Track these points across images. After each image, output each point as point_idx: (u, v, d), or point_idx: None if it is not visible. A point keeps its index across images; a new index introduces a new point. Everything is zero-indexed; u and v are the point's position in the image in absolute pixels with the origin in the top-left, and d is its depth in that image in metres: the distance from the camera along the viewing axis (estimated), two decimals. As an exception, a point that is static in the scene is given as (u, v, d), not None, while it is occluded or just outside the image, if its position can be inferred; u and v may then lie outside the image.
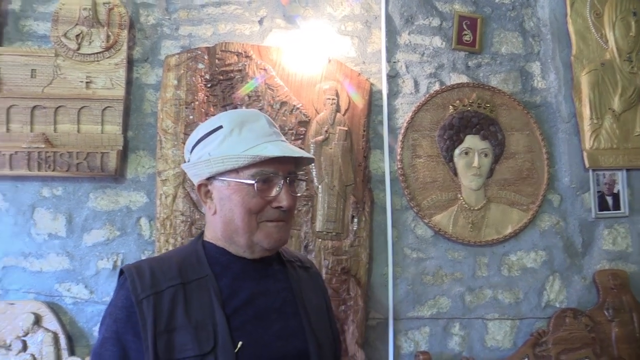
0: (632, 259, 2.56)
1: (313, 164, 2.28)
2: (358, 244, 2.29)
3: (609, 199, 2.56)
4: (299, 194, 1.26)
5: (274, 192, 1.15)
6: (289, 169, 1.18)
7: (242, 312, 1.12)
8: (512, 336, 2.46)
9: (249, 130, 1.16)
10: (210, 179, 1.17)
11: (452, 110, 2.49)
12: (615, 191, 2.57)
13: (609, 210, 2.56)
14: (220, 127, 1.16)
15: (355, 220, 2.30)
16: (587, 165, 2.54)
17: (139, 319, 1.06)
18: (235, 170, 1.13)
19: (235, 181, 1.14)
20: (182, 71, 2.31)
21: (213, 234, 1.21)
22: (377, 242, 2.39)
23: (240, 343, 1.07)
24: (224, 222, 1.17)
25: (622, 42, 2.65)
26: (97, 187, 2.29)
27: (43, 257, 2.23)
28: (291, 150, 1.16)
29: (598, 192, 2.56)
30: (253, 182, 1.12)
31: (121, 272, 1.14)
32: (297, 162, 1.22)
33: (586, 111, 2.56)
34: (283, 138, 1.21)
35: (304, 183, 2.26)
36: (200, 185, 1.20)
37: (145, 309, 1.07)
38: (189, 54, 2.33)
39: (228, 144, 1.14)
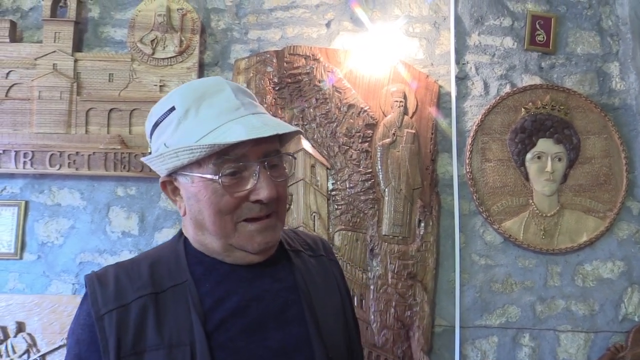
0: None
1: (380, 168, 2.26)
2: (425, 248, 2.25)
3: (695, 208, 2.40)
4: (282, 179, 0.96)
5: (249, 184, 0.91)
6: (264, 149, 0.92)
7: (229, 325, 0.91)
8: (586, 350, 2.34)
9: (208, 106, 0.91)
10: (173, 174, 0.95)
11: (524, 113, 2.41)
12: (702, 199, 2.41)
13: (695, 219, 2.40)
14: (173, 108, 0.92)
15: (422, 224, 2.27)
16: (670, 171, 2.40)
17: (99, 338, 0.87)
18: (198, 162, 0.90)
19: (198, 176, 0.91)
20: (252, 74, 2.34)
21: (189, 235, 1.00)
22: (444, 247, 2.34)
23: None
24: (194, 225, 0.96)
25: None
26: (169, 187, 2.35)
27: (117, 254, 2.32)
28: (262, 128, 0.89)
29: (683, 200, 2.40)
30: (216, 177, 0.89)
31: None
32: (282, 137, 0.98)
33: (670, 114, 2.42)
34: (256, 109, 0.94)
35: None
36: (163, 183, 0.98)
37: (107, 326, 0.87)
38: (258, 58, 2.36)
39: (183, 129, 0.91)
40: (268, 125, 0.90)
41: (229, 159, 0.89)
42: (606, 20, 2.58)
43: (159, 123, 0.94)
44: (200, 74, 2.42)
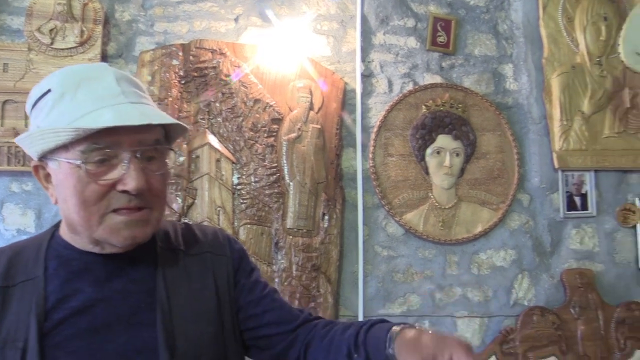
0: (598, 258, 2.61)
1: (285, 162, 2.30)
2: (329, 241, 2.31)
3: (577, 200, 2.61)
4: (159, 172, 0.92)
5: (117, 173, 0.87)
6: (139, 139, 0.88)
7: (70, 324, 0.88)
8: (481, 334, 2.49)
9: (87, 92, 0.87)
10: (44, 159, 0.90)
11: (424, 110, 2.52)
12: (583, 192, 2.62)
13: (577, 210, 2.60)
14: (49, 90, 0.89)
15: (327, 217, 2.32)
16: (556, 166, 2.58)
17: None
18: (65, 147, 0.86)
19: (65, 161, 0.87)
20: (156, 67, 2.31)
21: (62, 225, 0.98)
22: (348, 239, 2.42)
23: None
24: (63, 214, 0.93)
25: (593, 46, 2.69)
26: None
27: (13, 251, 2.22)
28: (135, 116, 0.86)
29: (567, 192, 2.60)
30: (79, 162, 0.85)
31: None
32: (169, 132, 0.97)
33: (556, 113, 2.60)
34: (139, 99, 0.92)
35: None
36: (35, 168, 0.94)
37: None
38: (163, 50, 2.33)
39: (57, 112, 0.87)
40: (144, 114, 0.87)
41: (97, 145, 0.85)
42: (502, 24, 2.74)
43: (36, 104, 0.91)
44: (103, 65, 2.35)
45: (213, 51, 2.35)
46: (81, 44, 2.32)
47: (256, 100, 2.32)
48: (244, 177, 2.27)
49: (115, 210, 0.89)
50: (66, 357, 0.86)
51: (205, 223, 2.14)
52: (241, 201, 2.25)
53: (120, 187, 0.87)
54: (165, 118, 0.92)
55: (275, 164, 2.29)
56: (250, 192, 2.26)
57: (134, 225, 0.90)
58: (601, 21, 2.72)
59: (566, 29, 2.70)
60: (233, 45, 2.38)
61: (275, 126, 2.32)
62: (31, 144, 0.89)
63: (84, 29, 2.33)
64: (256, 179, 2.27)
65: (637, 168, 2.68)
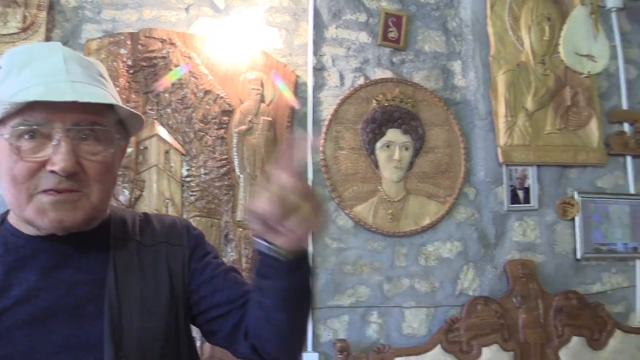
0: (539, 249, 2.72)
1: (235, 154, 2.29)
2: (279, 233, 2.32)
3: (520, 193, 2.71)
4: (97, 156, 0.89)
5: (47, 152, 0.84)
6: (76, 118, 0.86)
7: (11, 314, 0.85)
8: (428, 323, 2.56)
9: (32, 69, 0.86)
10: None
11: (375, 105, 2.56)
12: (526, 185, 2.72)
13: (520, 203, 2.70)
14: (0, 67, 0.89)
15: (277, 210, 2.33)
16: (500, 160, 2.67)
17: None
18: (3, 122, 0.85)
19: (1, 137, 0.86)
20: (103, 56, 2.26)
21: None
22: (298, 232, 2.43)
23: None
24: (2, 192, 0.90)
25: (537, 45, 2.79)
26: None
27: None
28: (67, 93, 0.84)
29: (510, 186, 2.70)
30: (7, 136, 0.84)
31: None
32: (121, 120, 0.94)
33: (501, 109, 2.69)
34: (87, 79, 0.89)
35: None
36: None
37: None
38: (111, 39, 2.28)
39: (3, 88, 0.86)
40: (78, 92, 0.84)
41: (27, 121, 0.83)
42: (451, 21, 2.81)
43: None
44: (47, 53, 2.28)
45: (163, 41, 2.31)
46: (24, 29, 2.24)
47: (206, 92, 2.30)
48: (193, 169, 2.25)
49: (44, 191, 0.85)
50: (5, 349, 0.83)
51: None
52: (190, 193, 2.23)
53: (49, 167, 0.84)
54: (101, 98, 0.88)
55: (226, 156, 2.28)
56: (199, 184, 2.24)
57: (61, 207, 0.86)
58: (545, 21, 2.82)
59: (512, 28, 2.79)
60: (183, 35, 2.35)
61: (225, 118, 2.31)
62: None
63: (27, 14, 2.25)
64: (206, 171, 2.25)
65: (577, 163, 2.81)
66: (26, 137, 0.84)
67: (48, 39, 2.28)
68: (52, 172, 0.84)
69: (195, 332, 1.05)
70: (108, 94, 0.92)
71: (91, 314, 0.88)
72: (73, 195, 0.87)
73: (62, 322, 0.86)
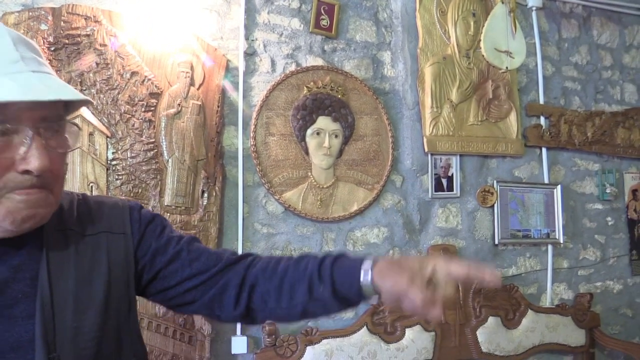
0: (460, 235, 2.86)
1: (163, 138, 2.25)
2: (207, 218, 2.31)
3: (444, 181, 2.83)
4: (62, 150, 0.87)
5: (18, 151, 0.80)
6: (43, 114, 0.82)
7: None
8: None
9: None
10: None
11: (306, 92, 2.58)
12: (449, 174, 2.84)
13: (444, 191, 2.82)
14: None
15: (206, 195, 2.32)
16: (426, 149, 2.77)
17: None
18: None
19: None
20: (22, 31, 2.14)
21: None
22: (228, 217, 2.43)
23: None
24: None
25: (462, 39, 2.91)
26: None
27: None
28: (42, 90, 0.79)
29: (435, 174, 2.81)
30: None
31: None
32: (67, 105, 0.88)
33: (428, 100, 2.79)
34: (39, 67, 0.83)
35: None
36: None
37: None
38: (30, 13, 2.17)
39: None
40: (51, 88, 0.80)
41: None
42: (382, 12, 2.87)
43: None
44: (-42, 25, 2.14)
45: (87, 18, 2.22)
46: None
47: (133, 73, 2.24)
48: (119, 152, 2.19)
49: (15, 191, 0.81)
50: None
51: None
52: (116, 177, 2.17)
53: (21, 167, 0.80)
54: (73, 92, 0.85)
55: (153, 140, 2.24)
56: (126, 168, 2.19)
57: (35, 205, 0.83)
58: (470, 17, 2.94)
59: (439, 22, 2.88)
60: (109, 13, 2.27)
61: (153, 100, 2.26)
62: None
63: None
64: (132, 155, 2.20)
65: (496, 154, 2.96)
66: None
67: (-41, 10, 2.14)
68: (25, 171, 0.80)
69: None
70: (60, 80, 0.88)
71: (21, 313, 0.84)
72: (42, 192, 0.83)
73: None
